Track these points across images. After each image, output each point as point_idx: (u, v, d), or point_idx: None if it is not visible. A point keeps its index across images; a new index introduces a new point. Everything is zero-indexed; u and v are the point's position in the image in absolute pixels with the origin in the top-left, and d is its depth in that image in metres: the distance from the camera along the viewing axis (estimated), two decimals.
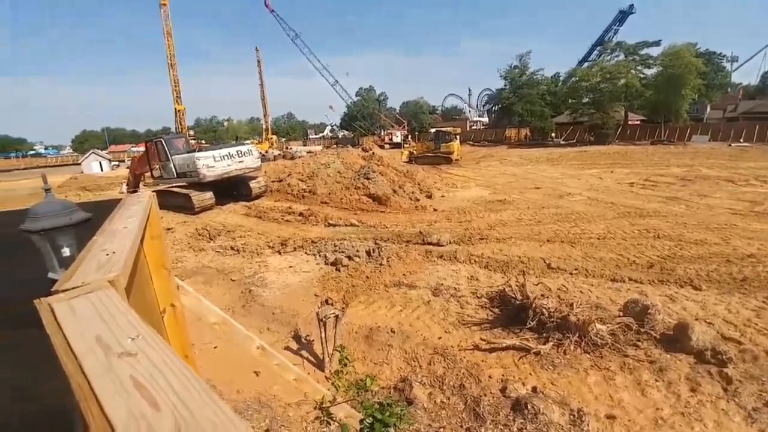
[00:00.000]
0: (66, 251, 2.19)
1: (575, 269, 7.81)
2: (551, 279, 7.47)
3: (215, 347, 3.16)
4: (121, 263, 1.06)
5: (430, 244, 9.82)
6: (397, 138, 54.53)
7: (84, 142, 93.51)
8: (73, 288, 0.90)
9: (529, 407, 4.12)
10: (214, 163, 15.38)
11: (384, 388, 4.75)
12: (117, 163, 50.36)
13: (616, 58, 43.36)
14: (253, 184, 17.23)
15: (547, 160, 29.31)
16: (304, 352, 5.57)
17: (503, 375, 4.86)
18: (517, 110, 49.23)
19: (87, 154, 50.22)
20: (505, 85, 52.50)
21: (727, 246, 8.64)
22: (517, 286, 6.23)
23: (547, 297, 5.93)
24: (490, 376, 4.85)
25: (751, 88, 66.05)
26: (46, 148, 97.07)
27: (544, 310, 5.52)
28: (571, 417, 4.08)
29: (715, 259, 7.91)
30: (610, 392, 4.47)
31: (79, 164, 49.08)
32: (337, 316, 5.38)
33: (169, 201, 15.15)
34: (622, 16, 54.57)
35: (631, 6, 54.06)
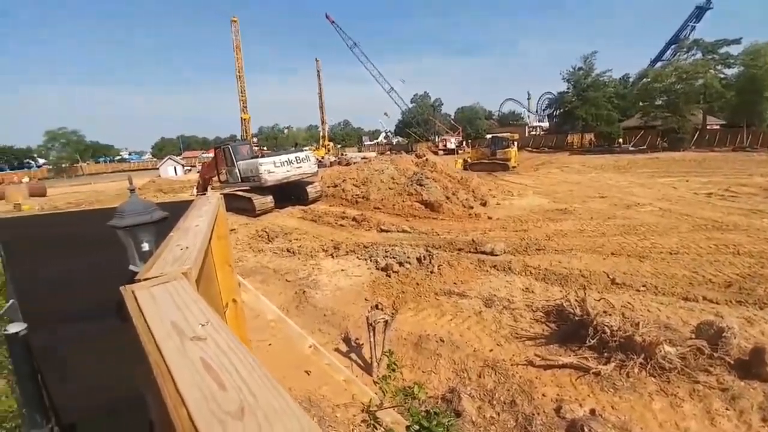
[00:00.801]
0: (145, 246, 2.43)
1: (643, 286, 7.21)
2: (615, 295, 6.95)
3: (269, 344, 3.31)
4: (193, 257, 1.17)
5: (483, 253, 9.57)
6: (452, 144, 53.91)
7: (162, 149, 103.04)
8: (153, 278, 1.01)
9: (586, 430, 3.86)
10: (274, 168, 16.26)
11: (431, 397, 4.69)
12: (189, 167, 54.94)
13: (692, 57, 39.63)
14: (309, 188, 17.89)
15: (614, 167, 27.35)
16: (353, 355, 5.65)
17: (558, 394, 4.60)
18: (580, 114, 46.36)
19: (164, 160, 55.44)
20: (567, 88, 49.72)
21: None
22: (576, 300, 5.88)
23: (610, 314, 5.53)
24: (544, 395, 4.61)
25: None
26: (129, 154, 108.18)
27: (606, 328, 5.16)
28: None
29: None
30: (677, 420, 4.11)
31: (157, 169, 54.25)
32: (386, 322, 5.41)
33: (234, 204, 16.15)
34: (699, 11, 49.92)
35: (708, 1, 49.25)
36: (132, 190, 2.74)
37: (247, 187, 16.85)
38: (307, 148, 27.09)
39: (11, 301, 2.66)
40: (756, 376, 4.51)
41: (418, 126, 69.27)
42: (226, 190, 17.22)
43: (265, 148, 54.35)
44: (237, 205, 16.28)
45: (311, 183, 18.35)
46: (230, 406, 0.57)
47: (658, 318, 5.93)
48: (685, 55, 40.88)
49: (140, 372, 0.81)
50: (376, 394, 3.84)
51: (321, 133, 60.83)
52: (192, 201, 2.40)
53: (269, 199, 16.27)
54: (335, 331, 6.37)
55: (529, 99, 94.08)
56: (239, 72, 44.20)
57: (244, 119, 45.91)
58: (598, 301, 6.19)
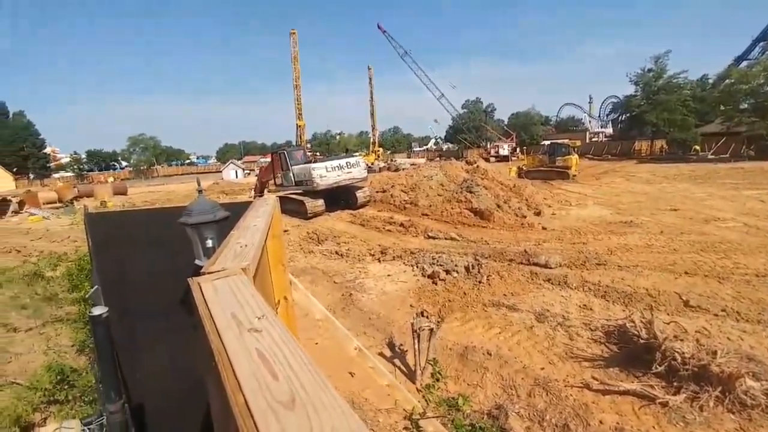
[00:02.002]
0: (209, 243, 2.61)
1: (722, 310, 6.49)
2: (688, 319, 6.31)
3: (316, 343, 3.40)
4: (251, 255, 1.24)
5: (536, 265, 9.15)
6: (504, 151, 52.32)
7: (225, 154, 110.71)
8: (215, 272, 1.07)
9: None
10: (326, 173, 16.81)
11: (476, 412, 4.53)
12: (248, 171, 58.42)
13: None
14: (359, 193, 18.25)
15: (689, 177, 24.99)
16: (396, 361, 5.63)
17: (618, 423, 4.24)
18: (650, 119, 42.80)
19: (227, 164, 59.57)
20: (635, 91, 46.20)
21: None
22: (642, 322, 5.42)
23: (682, 339, 5.04)
24: (601, 422, 4.28)
25: None
26: (197, 158, 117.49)
27: (676, 354, 4.70)
28: None
29: None
30: None
31: (220, 172, 58.32)
32: (431, 329, 5.34)
33: (287, 206, 16.83)
34: None
35: None
36: (200, 191, 2.95)
37: (300, 191, 17.54)
38: (357, 153, 27.68)
39: (96, 287, 2.98)
40: None
41: (469, 132, 68.14)
42: (281, 193, 18.00)
43: (318, 154, 56.30)
44: (290, 207, 16.93)
45: (361, 188, 18.70)
46: (282, 396, 0.59)
47: (739, 347, 5.29)
48: None
49: (201, 357, 0.86)
50: (419, 402, 3.79)
51: (371, 139, 61.82)
52: (251, 202, 2.55)
53: (320, 202, 16.80)
54: (380, 336, 6.39)
55: (590, 103, 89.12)
56: (296, 81, 46.32)
57: (299, 126, 47.93)
58: (668, 324, 5.66)
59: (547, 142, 31.71)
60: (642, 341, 5.17)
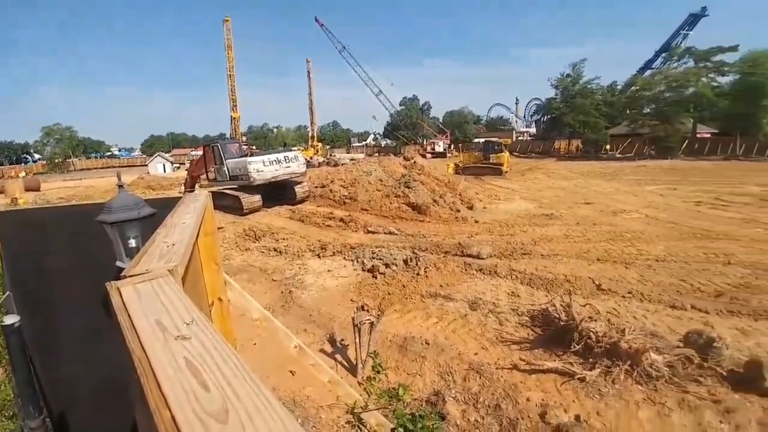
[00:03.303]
0: (132, 242, 2.38)
1: (629, 292, 7.33)
2: (601, 301, 7.04)
3: (255, 343, 3.28)
4: (180, 254, 1.14)
5: (469, 256, 9.63)
6: (440, 147, 54.24)
7: (151, 146, 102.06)
8: (138, 274, 0.97)
9: None
10: (263, 167, 16.20)
11: (416, 400, 4.68)
12: (178, 165, 54.35)
13: (684, 65, 40.34)
14: (297, 188, 17.85)
15: (601, 174, 27.82)
16: (338, 356, 5.62)
17: (543, 399, 4.62)
18: (568, 121, 47.12)
19: (153, 157, 54.98)
20: (555, 95, 50.59)
21: None
22: (562, 305, 5.93)
23: (596, 320, 5.59)
24: (528, 399, 4.63)
25: None
26: (119, 150, 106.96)
27: (591, 333, 5.22)
28: None
29: None
30: (665, 430, 4.11)
31: (146, 165, 53.62)
32: (372, 323, 5.40)
33: (221, 202, 16.01)
34: (693, 19, 50.50)
35: (704, 8, 49.88)
36: (121, 186, 2.68)
37: (236, 186, 16.74)
38: (295, 148, 27.04)
39: (7, 293, 2.64)
40: (752, 389, 4.46)
41: (406, 129, 69.50)
42: (215, 188, 17.06)
43: (254, 147, 54.02)
44: (225, 203, 16.15)
45: (299, 183, 18.31)
46: (214, 407, 0.55)
47: (644, 325, 6.00)
48: (676, 63, 41.50)
49: (126, 369, 0.78)
50: (360, 395, 3.81)
51: (310, 134, 60.71)
52: (180, 198, 2.36)
53: (257, 198, 16.18)
54: (321, 332, 6.33)
55: (517, 104, 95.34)
56: (230, 71, 44.08)
57: (234, 118, 45.67)
58: (584, 306, 6.27)
59: (481, 141, 33.46)
60: (562, 323, 5.66)
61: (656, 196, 17.73)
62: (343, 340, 5.89)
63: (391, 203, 15.96)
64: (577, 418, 4.27)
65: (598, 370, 4.88)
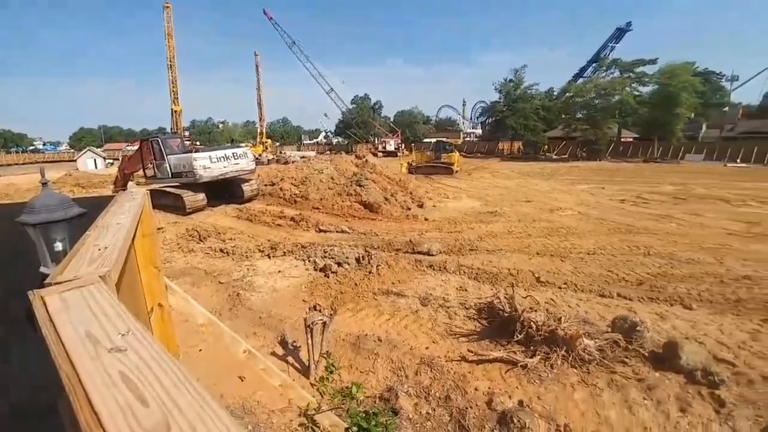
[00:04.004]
0: (59, 245, 2.16)
1: (564, 283, 7.87)
2: (540, 292, 7.50)
3: (200, 349, 3.12)
4: (113, 258, 1.06)
5: (420, 253, 9.84)
6: (391, 146, 54.84)
7: (81, 140, 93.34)
8: (65, 281, 0.89)
9: (514, 421, 4.10)
10: (210, 164, 15.44)
11: (369, 397, 4.71)
12: (111, 161, 50.09)
13: (611, 75, 44.09)
14: (245, 186, 17.20)
15: (539, 174, 29.64)
16: (290, 358, 5.51)
17: (490, 387, 4.84)
18: (510, 124, 49.82)
19: (83, 152, 50.34)
20: (499, 98, 53.25)
21: (720, 266, 8.66)
22: (505, 298, 6.25)
23: (536, 310, 5.94)
24: (476, 388, 4.83)
25: (752, 108, 65.31)
26: (44, 144, 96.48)
27: (532, 323, 5.54)
28: None
29: (708, 279, 7.94)
30: (597, 409, 4.44)
31: (75, 161, 48.94)
32: (324, 323, 5.35)
33: (161, 201, 15.05)
34: (620, 33, 55.40)
35: (629, 23, 54.95)
36: (44, 184, 2.42)
37: (177, 183, 15.77)
38: (243, 144, 26.02)
39: None
40: (670, 368, 4.94)
41: (358, 127, 69.46)
42: (153, 186, 15.95)
43: (198, 143, 51.17)
44: (165, 202, 15.18)
45: (248, 181, 17.66)
46: (152, 421, 0.52)
47: (577, 313, 6.48)
48: (604, 73, 45.28)
49: (53, 386, 0.71)
50: (314, 397, 3.77)
51: (259, 130, 58.68)
52: (113, 197, 2.18)
53: (201, 196, 15.38)
54: (272, 334, 6.16)
55: (464, 106, 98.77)
56: (171, 61, 41.41)
57: (175, 111, 42.99)
58: (525, 298, 6.65)
59: (432, 141, 34.36)
60: (506, 314, 5.97)
61: (587, 195, 19.23)
62: (295, 341, 5.78)
63: (343, 202, 15.88)
64: (521, 403, 4.52)
65: (539, 357, 5.20)
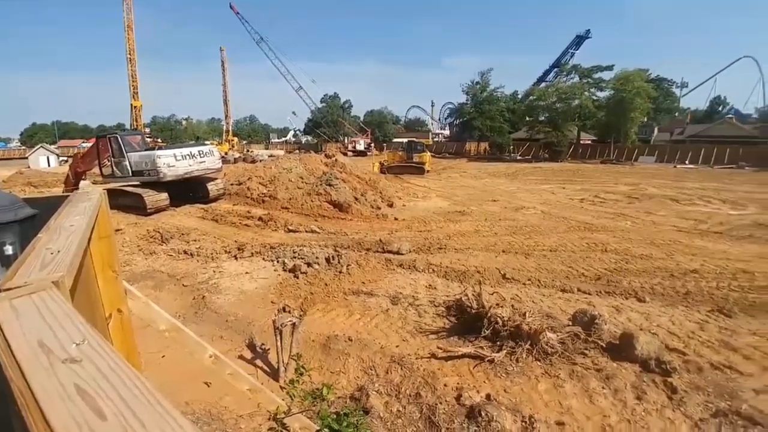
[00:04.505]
0: (8, 249, 2.01)
1: (528, 280, 8.15)
2: (506, 289, 7.74)
3: (163, 356, 2.99)
4: (67, 263, 1.00)
5: (390, 252, 9.89)
6: (361, 146, 54.83)
7: (33, 136, 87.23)
8: (15, 288, 0.84)
9: (483, 414, 4.20)
10: (174, 162, 14.86)
11: (340, 398, 4.69)
12: (66, 158, 47.19)
13: (571, 80, 46.12)
14: (211, 186, 16.67)
15: (505, 174, 30.53)
16: (258, 361, 5.40)
17: (458, 383, 4.94)
18: (477, 125, 51.13)
19: (35, 149, 47.22)
20: (466, 100, 54.46)
21: (670, 261, 9.24)
22: (473, 295, 6.38)
23: (502, 306, 6.12)
24: (445, 384, 4.91)
25: (700, 112, 70.25)
26: None
27: (498, 319, 5.69)
28: (523, 424, 4.19)
29: (659, 273, 8.44)
30: (560, 399, 4.62)
31: (26, 158, 45.76)
32: (294, 324, 5.27)
33: (119, 201, 14.33)
34: (579, 40, 57.93)
35: (588, 31, 57.63)
36: None
37: (137, 182, 15.05)
38: (208, 142, 25.22)
39: None
40: (626, 358, 5.22)
41: (327, 126, 68.95)
42: (111, 185, 15.16)
43: (159, 140, 49.10)
44: (124, 202, 14.48)
45: (213, 180, 17.12)
46: None
47: (541, 308, 6.73)
48: (565, 78, 47.35)
49: (3, 400, 0.67)
50: (283, 400, 3.71)
51: (225, 128, 57.08)
52: (67, 197, 2.05)
53: (164, 196, 14.77)
54: (239, 338, 6.01)
55: (432, 107, 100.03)
56: (130, 54, 39.60)
57: (135, 107, 41.06)
58: (492, 294, 6.84)
59: (403, 141, 34.69)
60: (474, 311, 6.10)
61: (549, 194, 20.01)
62: (263, 344, 5.66)
63: (312, 201, 15.71)
64: (488, 396, 4.64)
65: (505, 351, 5.36)
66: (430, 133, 79.51)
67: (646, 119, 46.17)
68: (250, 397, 3.62)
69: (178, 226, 12.61)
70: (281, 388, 4.72)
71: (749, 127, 49.11)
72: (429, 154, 31.25)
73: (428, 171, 29.74)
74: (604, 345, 5.51)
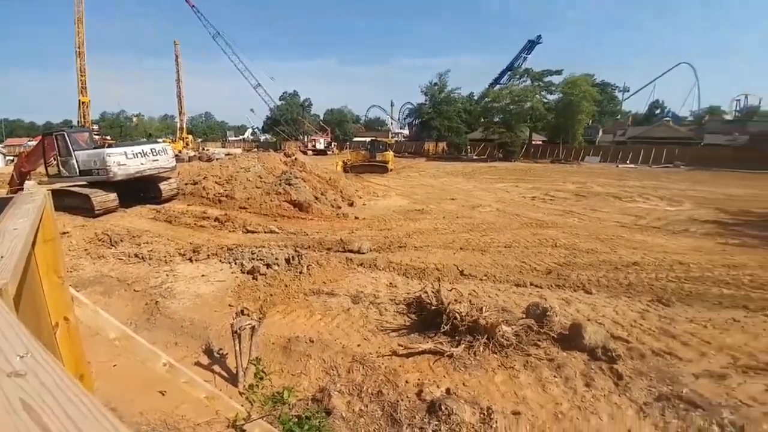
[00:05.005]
0: None
1: (485, 275, 8.46)
2: (464, 285, 7.97)
3: (114, 365, 2.85)
4: (10, 269, 0.95)
5: (350, 251, 9.91)
6: (321, 145, 54.31)
7: None
8: None
9: (443, 408, 4.30)
10: (126, 160, 14.06)
11: (302, 400, 4.66)
12: (12, 158, 43.09)
13: (524, 83, 48.16)
14: (163, 185, 15.89)
15: (462, 173, 31.36)
16: (216, 367, 5.24)
17: (419, 379, 5.04)
18: (435, 125, 52.17)
19: None
20: (425, 101, 55.39)
21: (614, 255, 9.91)
22: (432, 292, 6.52)
23: (460, 302, 6.29)
24: (407, 381, 5.00)
25: (640, 115, 76.02)
26: None
27: (456, 314, 5.87)
28: (481, 415, 4.32)
29: (604, 266, 9.02)
30: (515, 389, 4.83)
31: None
32: (253, 327, 5.17)
33: (65, 201, 13.41)
34: (531, 45, 60.36)
35: (539, 36, 60.18)
36: None
37: (84, 182, 14.07)
38: (161, 139, 24.01)
39: None
40: (575, 347, 5.53)
41: (286, 124, 67.59)
42: (57, 185, 14.06)
43: (108, 138, 45.98)
44: (70, 203, 13.57)
45: (166, 179, 16.32)
46: None
47: (497, 302, 7.02)
48: (518, 81, 49.31)
49: None
50: (243, 406, 3.64)
51: (179, 125, 54.34)
52: (10, 199, 1.90)
53: (113, 196, 13.95)
54: (195, 344, 5.80)
55: (392, 107, 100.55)
56: (79, 48, 36.96)
57: (83, 102, 38.31)
58: (450, 291, 7.03)
59: (365, 140, 34.77)
60: (433, 307, 6.25)
61: (504, 193, 20.84)
62: (221, 349, 5.50)
63: (271, 201, 15.38)
64: (448, 391, 4.79)
65: (463, 345, 5.54)
66: (390, 133, 79.96)
67: (591, 121, 49.18)
68: (207, 404, 3.52)
69: (128, 228, 11.97)
70: (240, 393, 4.62)
71: (685, 129, 53.72)
72: (392, 153, 31.51)
73: (391, 170, 29.98)
74: (555, 336, 5.81)
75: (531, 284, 8.01)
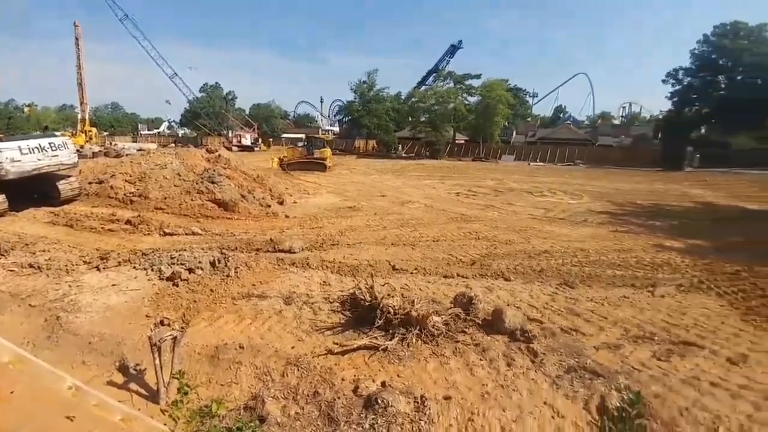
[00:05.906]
0: None
1: (415, 269, 8.77)
2: (396, 279, 8.21)
3: (12, 392, 2.48)
4: None
5: (281, 251, 9.65)
6: (247, 140, 51.85)
7: None
8: None
9: (379, 402, 4.39)
10: (20, 156, 12.19)
11: (233, 410, 4.45)
12: None
13: (447, 85, 50.43)
14: (63, 184, 14.06)
15: (391, 170, 32.09)
16: (133, 385, 4.80)
17: (355, 375, 5.08)
18: (365, 123, 52.68)
19: None
20: (355, 98, 55.54)
21: (528, 244, 10.89)
22: (366, 288, 6.58)
23: (393, 296, 6.44)
24: (343, 378, 5.00)
25: (546, 119, 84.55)
26: None
27: (390, 308, 6.00)
28: (416, 404, 4.48)
29: (520, 255, 9.86)
30: (446, 376, 5.08)
31: None
32: (174, 338, 4.80)
33: None
34: (453, 49, 63.34)
35: (460, 41, 63.45)
36: None
37: None
38: (59, 133, 21.12)
39: None
40: (497, 331, 5.98)
41: (208, 118, 63.30)
42: None
43: None
44: None
45: (65, 177, 14.44)
46: None
47: (427, 294, 7.33)
48: (442, 83, 51.49)
49: None
50: (165, 424, 3.38)
51: (80, 116, 47.78)
52: None
53: (1, 198, 12.05)
54: (107, 361, 5.25)
55: (322, 103, 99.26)
56: None
57: None
58: (383, 286, 7.18)
59: (302, 136, 33.82)
60: (367, 303, 6.32)
61: (431, 189, 21.82)
62: (138, 364, 5.05)
63: (192, 200, 14.33)
64: (383, 384, 4.89)
65: (397, 338, 5.71)
66: (320, 130, 78.83)
67: (507, 123, 53.24)
68: (123, 427, 3.22)
69: (20, 235, 10.48)
70: (163, 411, 4.30)
71: (582, 132, 60.85)
72: (329, 150, 30.99)
73: (330, 167, 29.44)
74: (480, 322, 6.23)
75: (458, 275, 8.48)
